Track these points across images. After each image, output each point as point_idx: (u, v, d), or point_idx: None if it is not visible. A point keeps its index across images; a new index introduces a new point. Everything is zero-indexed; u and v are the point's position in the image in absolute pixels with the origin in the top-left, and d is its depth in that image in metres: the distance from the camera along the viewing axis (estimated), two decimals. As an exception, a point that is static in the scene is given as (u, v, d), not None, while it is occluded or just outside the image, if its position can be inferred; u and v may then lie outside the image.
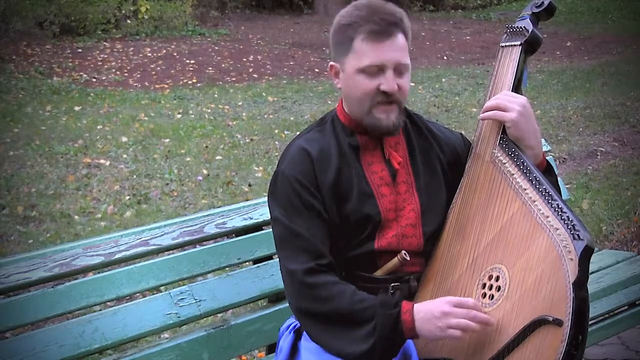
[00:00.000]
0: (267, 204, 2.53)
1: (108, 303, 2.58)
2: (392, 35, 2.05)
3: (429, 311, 1.95)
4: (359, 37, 2.05)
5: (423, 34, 15.66)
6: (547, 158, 2.23)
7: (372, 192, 2.12)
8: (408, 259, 2.09)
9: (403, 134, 2.20)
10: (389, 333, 1.95)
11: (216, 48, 13.52)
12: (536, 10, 2.27)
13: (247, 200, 4.75)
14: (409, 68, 2.11)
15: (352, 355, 1.98)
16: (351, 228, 2.09)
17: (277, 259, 2.32)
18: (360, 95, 2.08)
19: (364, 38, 2.05)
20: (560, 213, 1.95)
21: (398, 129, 2.14)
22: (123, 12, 14.30)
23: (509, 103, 2.14)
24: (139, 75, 11.49)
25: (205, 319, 2.48)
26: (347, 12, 2.11)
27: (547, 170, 2.18)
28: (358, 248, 2.10)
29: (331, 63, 2.16)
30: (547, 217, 1.96)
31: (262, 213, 2.53)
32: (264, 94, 10.30)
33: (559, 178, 2.40)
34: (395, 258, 2.09)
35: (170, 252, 2.37)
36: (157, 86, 10.90)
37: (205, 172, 6.66)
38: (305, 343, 2.10)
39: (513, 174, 2.08)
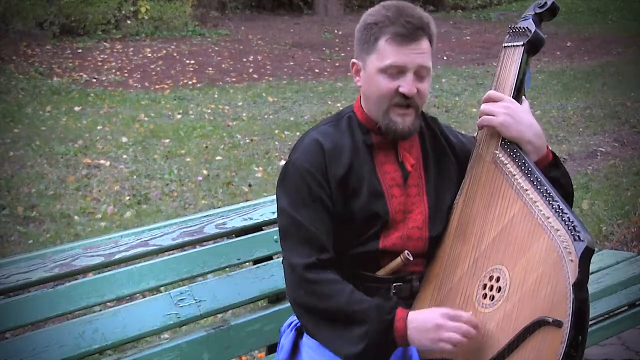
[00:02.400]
0: (266, 204, 2.56)
1: (108, 303, 2.58)
2: (417, 39, 2.05)
3: (422, 321, 1.94)
4: (384, 38, 2.05)
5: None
6: None
7: (382, 191, 2.11)
8: (411, 259, 2.09)
9: (418, 137, 2.20)
10: (381, 338, 1.95)
11: (216, 48, 13.51)
12: (539, 11, 2.26)
13: (247, 200, 4.75)
14: (430, 72, 2.12)
15: (344, 354, 1.98)
16: (357, 225, 2.09)
17: (277, 260, 2.32)
18: (379, 95, 2.08)
19: (389, 39, 2.04)
20: (561, 214, 1.95)
21: (413, 133, 2.14)
22: (123, 12, 14.28)
23: (493, 107, 2.15)
24: (139, 76, 11.48)
25: (205, 319, 2.48)
26: (375, 11, 2.10)
27: (555, 164, 2.17)
28: (362, 246, 2.10)
29: (353, 60, 2.15)
30: (548, 218, 1.96)
31: (262, 213, 2.53)
32: (264, 94, 10.29)
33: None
34: (399, 258, 2.09)
35: (170, 252, 2.37)
36: (157, 86, 10.89)
37: (205, 172, 6.65)
38: (307, 341, 2.10)
39: (514, 175, 2.08)
